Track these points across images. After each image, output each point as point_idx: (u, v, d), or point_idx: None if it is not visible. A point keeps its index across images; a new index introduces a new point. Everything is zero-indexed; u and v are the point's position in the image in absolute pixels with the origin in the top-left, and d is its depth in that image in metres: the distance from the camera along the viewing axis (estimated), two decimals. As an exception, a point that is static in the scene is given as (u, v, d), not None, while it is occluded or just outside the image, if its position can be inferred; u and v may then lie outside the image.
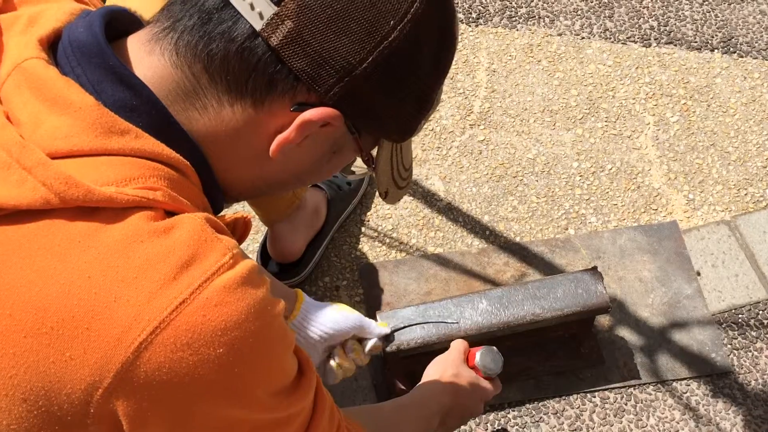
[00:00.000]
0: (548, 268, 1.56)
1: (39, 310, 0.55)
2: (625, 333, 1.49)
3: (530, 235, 1.61)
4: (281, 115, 0.63)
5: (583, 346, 1.45)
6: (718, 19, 1.92)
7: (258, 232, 1.60)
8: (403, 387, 1.35)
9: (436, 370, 1.19)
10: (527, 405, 1.42)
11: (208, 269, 0.57)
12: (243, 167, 0.67)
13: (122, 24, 0.66)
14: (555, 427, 1.40)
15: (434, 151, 1.71)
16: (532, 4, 1.95)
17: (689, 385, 1.44)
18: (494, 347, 1.22)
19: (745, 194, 1.67)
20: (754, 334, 1.50)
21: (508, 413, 1.41)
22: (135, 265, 0.56)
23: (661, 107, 1.79)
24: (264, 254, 1.53)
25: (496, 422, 1.40)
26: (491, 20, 1.92)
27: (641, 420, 1.41)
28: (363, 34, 0.61)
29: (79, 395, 0.56)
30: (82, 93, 0.59)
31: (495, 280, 1.55)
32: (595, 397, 1.43)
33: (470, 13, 1.92)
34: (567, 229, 1.62)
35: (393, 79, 0.64)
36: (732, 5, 1.95)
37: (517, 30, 1.90)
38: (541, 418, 1.41)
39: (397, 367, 1.37)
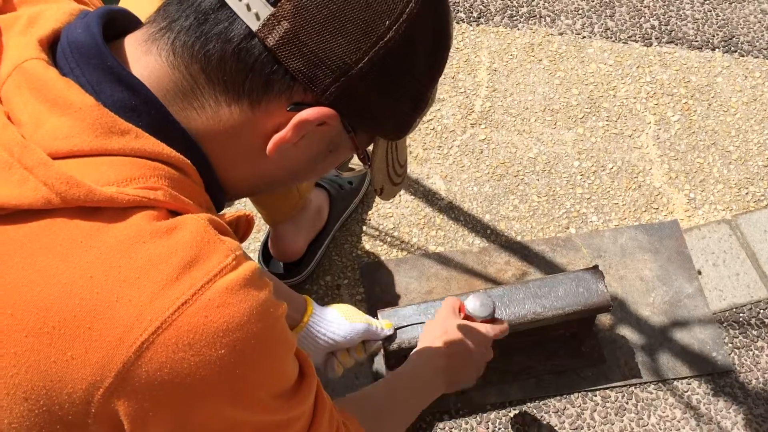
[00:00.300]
0: (549, 267, 1.56)
1: (41, 310, 0.55)
2: (626, 332, 1.49)
3: (531, 234, 1.61)
4: (278, 114, 0.64)
5: (584, 344, 1.45)
6: (719, 18, 1.92)
7: (260, 231, 1.60)
8: None
9: (425, 337, 1.17)
10: (528, 404, 1.42)
11: (210, 270, 0.57)
12: (240, 166, 0.68)
13: (120, 24, 0.66)
14: (556, 425, 1.41)
15: (435, 150, 1.72)
16: (533, 3, 1.95)
17: (690, 384, 1.45)
18: (483, 291, 1.18)
19: (746, 193, 1.67)
20: (755, 333, 1.50)
21: (510, 412, 1.42)
22: (137, 266, 0.56)
23: (662, 106, 1.79)
24: (265, 253, 1.54)
25: (498, 421, 1.41)
26: (492, 19, 1.92)
27: (642, 419, 1.41)
28: (359, 34, 0.61)
29: (81, 395, 0.56)
30: (82, 94, 0.59)
31: (496, 279, 1.55)
32: (596, 395, 1.43)
33: (471, 12, 1.93)
34: (568, 228, 1.62)
35: (389, 78, 0.64)
36: (733, 4, 1.95)
37: (518, 29, 1.90)
38: (542, 416, 1.41)
39: (399, 365, 1.37)
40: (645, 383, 1.44)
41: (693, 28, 1.91)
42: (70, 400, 0.56)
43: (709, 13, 1.93)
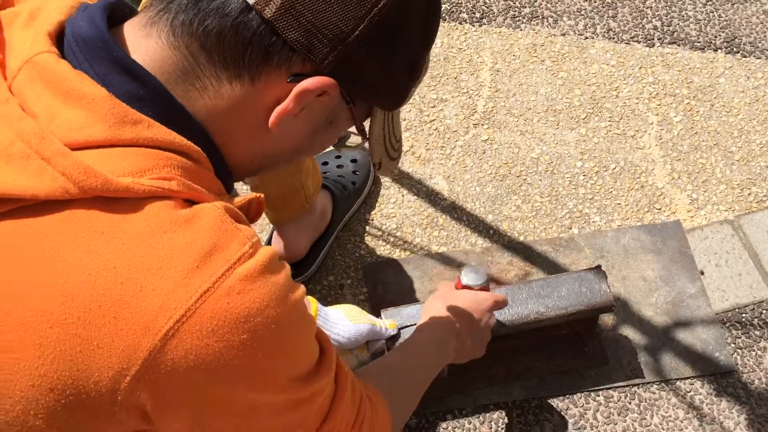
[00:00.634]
0: (552, 267, 1.56)
1: (66, 300, 0.56)
2: (629, 332, 1.49)
3: (534, 234, 1.61)
4: (278, 86, 0.65)
5: (587, 345, 1.45)
6: (722, 19, 1.92)
7: (263, 231, 1.60)
8: None
9: (428, 310, 1.18)
10: (531, 403, 1.43)
11: (230, 258, 0.58)
12: (242, 143, 0.69)
13: (120, 14, 0.67)
14: (559, 426, 1.41)
15: (438, 151, 1.72)
16: (536, 4, 1.95)
17: (693, 384, 1.45)
18: (472, 263, 1.24)
19: (749, 194, 1.67)
20: (757, 333, 1.50)
21: (512, 412, 1.42)
22: (159, 255, 0.57)
23: (664, 107, 1.79)
24: (268, 253, 1.54)
25: (500, 420, 1.41)
26: (495, 20, 1.92)
27: (645, 419, 1.41)
28: (354, 1, 0.63)
29: (107, 383, 0.56)
30: (94, 85, 0.60)
31: (499, 279, 1.55)
32: (599, 395, 1.44)
33: (474, 13, 1.93)
34: (571, 228, 1.62)
35: (384, 45, 0.66)
36: (735, 5, 1.95)
37: (521, 30, 1.91)
38: (545, 416, 1.41)
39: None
40: (648, 383, 1.45)
41: (695, 29, 1.91)
42: (96, 389, 0.57)
43: (711, 14, 1.93)
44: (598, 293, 1.34)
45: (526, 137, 1.74)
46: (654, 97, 1.80)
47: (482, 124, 1.76)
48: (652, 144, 1.73)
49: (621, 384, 1.44)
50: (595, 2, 1.95)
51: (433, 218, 1.63)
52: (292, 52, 0.63)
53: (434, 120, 1.76)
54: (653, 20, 1.92)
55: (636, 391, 1.44)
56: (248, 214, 0.70)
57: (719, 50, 1.87)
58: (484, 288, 1.22)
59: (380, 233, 1.61)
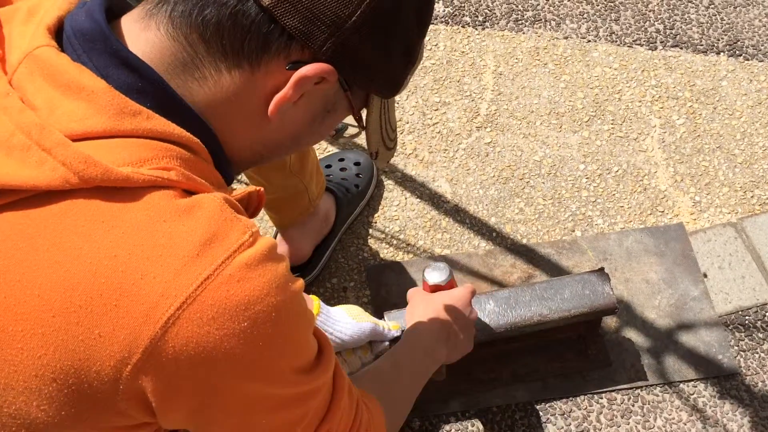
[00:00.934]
0: (555, 270, 1.57)
1: (67, 290, 0.56)
2: (632, 334, 1.49)
3: (537, 237, 1.62)
4: (277, 74, 0.65)
5: (590, 347, 1.46)
6: (724, 22, 1.93)
7: (266, 233, 1.61)
8: None
9: (410, 318, 1.20)
10: (534, 406, 1.43)
11: (229, 247, 0.58)
12: (243, 133, 0.69)
13: (118, 8, 0.68)
14: (562, 428, 1.41)
15: (441, 154, 1.72)
16: (539, 7, 1.95)
17: (696, 387, 1.45)
18: (432, 261, 1.26)
19: (752, 196, 1.67)
20: (761, 335, 1.50)
21: (515, 414, 1.42)
22: (159, 243, 0.57)
23: (667, 110, 1.79)
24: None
25: (503, 423, 1.41)
26: (497, 23, 1.93)
27: (648, 421, 1.41)
28: None
29: (109, 372, 0.57)
30: (94, 78, 0.61)
31: (502, 281, 1.56)
32: (602, 398, 1.44)
33: (477, 17, 1.93)
34: (574, 230, 1.62)
35: (381, 30, 0.66)
36: (738, 8, 1.95)
37: (524, 33, 1.91)
38: (548, 419, 1.42)
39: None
40: (651, 386, 1.45)
41: (698, 32, 1.91)
42: (98, 378, 0.57)
43: (713, 17, 1.94)
44: (601, 296, 1.34)
45: (529, 140, 1.74)
46: (657, 100, 1.80)
47: (485, 127, 1.76)
48: (655, 147, 1.74)
49: (624, 386, 1.44)
50: (597, 5, 1.96)
51: (436, 221, 1.63)
52: (291, 39, 0.64)
53: (437, 123, 1.77)
54: (656, 23, 1.93)
55: (639, 394, 1.44)
56: (248, 207, 0.70)
57: (722, 53, 1.88)
58: (451, 282, 1.24)
59: (383, 236, 1.62)
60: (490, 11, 1.94)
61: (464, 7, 1.95)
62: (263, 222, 1.62)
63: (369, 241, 1.61)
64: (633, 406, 1.43)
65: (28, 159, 0.57)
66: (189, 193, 0.61)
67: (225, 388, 0.61)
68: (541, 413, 1.42)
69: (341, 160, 1.66)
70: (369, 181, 1.64)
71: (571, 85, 1.82)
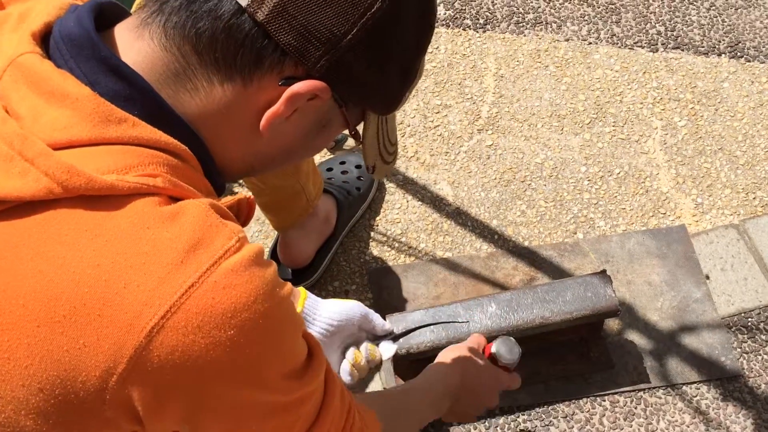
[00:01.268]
0: (557, 272, 1.56)
1: (51, 300, 0.55)
2: (635, 337, 1.49)
3: (539, 240, 1.61)
4: (270, 89, 0.64)
5: (593, 349, 1.45)
6: (725, 23, 1.93)
7: (268, 237, 1.61)
8: None
9: (446, 354, 1.17)
10: (537, 409, 1.42)
11: (215, 253, 0.57)
12: (234, 146, 0.68)
13: (110, 15, 0.67)
14: (565, 431, 1.41)
15: (442, 156, 1.72)
16: (540, 9, 1.95)
17: (699, 389, 1.44)
18: (512, 338, 1.18)
19: (754, 198, 1.67)
20: (763, 337, 1.50)
21: (518, 417, 1.42)
22: (143, 251, 0.56)
23: (668, 112, 1.79)
24: (274, 259, 1.54)
25: (506, 426, 1.41)
26: (498, 26, 1.93)
27: (651, 424, 1.41)
28: (347, 5, 0.62)
29: (95, 382, 0.56)
30: (78, 85, 0.60)
31: (504, 284, 1.55)
32: (604, 401, 1.43)
33: (478, 19, 1.93)
34: (575, 233, 1.62)
35: (377, 49, 0.65)
36: (739, 10, 1.95)
37: (525, 35, 1.91)
38: (551, 422, 1.41)
39: (407, 371, 1.38)
40: (654, 388, 1.44)
41: (699, 34, 1.91)
42: (84, 387, 0.56)
43: (715, 19, 1.94)
44: (604, 298, 1.34)
45: (531, 142, 1.74)
46: (658, 102, 1.80)
47: (486, 130, 1.76)
48: (657, 149, 1.73)
49: (627, 389, 1.44)
50: (598, 8, 1.96)
51: (437, 224, 1.63)
52: (284, 55, 0.63)
53: (438, 126, 1.77)
54: (657, 25, 1.93)
55: (642, 396, 1.44)
56: (238, 215, 0.69)
57: (723, 55, 1.87)
58: (507, 367, 1.18)
59: (385, 239, 1.61)
60: (491, 14, 1.94)
61: (465, 9, 1.95)
62: (264, 225, 1.62)
63: (371, 244, 1.61)
64: (636, 408, 1.43)
65: (11, 170, 0.57)
66: (175, 199, 0.60)
67: (213, 396, 0.60)
68: (543, 416, 1.42)
69: (342, 162, 1.66)
70: (370, 184, 1.64)
71: (572, 88, 1.82)
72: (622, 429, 1.41)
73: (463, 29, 1.92)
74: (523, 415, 1.42)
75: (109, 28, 0.66)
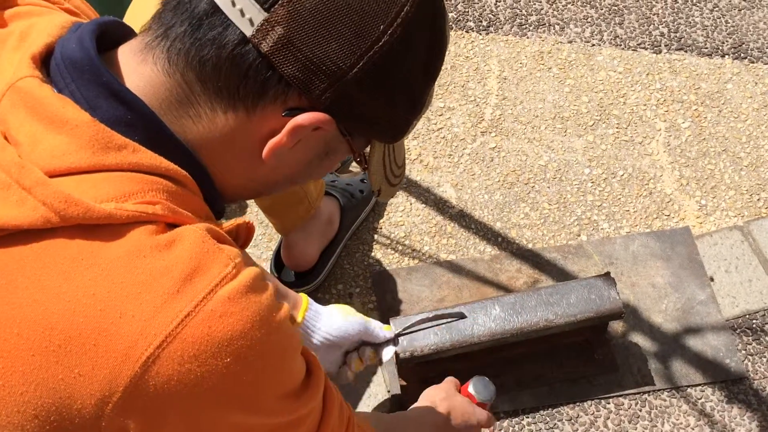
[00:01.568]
0: (561, 275, 1.56)
1: (46, 329, 0.55)
2: (639, 339, 1.49)
3: (542, 242, 1.61)
4: (273, 119, 0.64)
5: (597, 352, 1.45)
6: (729, 25, 1.92)
7: (272, 240, 1.61)
8: None
9: (427, 396, 1.18)
10: (541, 411, 1.42)
11: (211, 281, 0.57)
12: (236, 172, 0.68)
13: (113, 36, 0.66)
14: (569, 433, 1.40)
15: (446, 159, 1.72)
16: (542, 11, 1.95)
17: (704, 391, 1.44)
18: (485, 377, 1.21)
19: (758, 199, 1.66)
20: (768, 339, 1.50)
21: (522, 420, 1.41)
22: (138, 281, 0.56)
23: (672, 113, 1.79)
24: (278, 262, 1.54)
25: (510, 429, 1.40)
26: (501, 28, 1.93)
27: (656, 426, 1.41)
28: (353, 38, 0.61)
29: (90, 410, 0.56)
30: (77, 110, 0.59)
31: (508, 286, 1.55)
32: (609, 403, 1.43)
33: (480, 21, 1.93)
34: (579, 235, 1.62)
35: (384, 83, 0.64)
36: (742, 11, 1.95)
37: (528, 38, 1.91)
38: (555, 424, 1.41)
39: (411, 374, 1.38)
40: (658, 390, 1.44)
41: (702, 35, 1.91)
42: (80, 415, 0.56)
43: (718, 20, 1.93)
44: (608, 300, 1.34)
45: (534, 145, 1.74)
46: (661, 104, 1.80)
47: (490, 132, 1.76)
48: (660, 150, 1.73)
49: (631, 391, 1.44)
50: (601, 9, 1.96)
51: (441, 226, 1.63)
52: (288, 87, 0.62)
53: (442, 128, 1.77)
54: (660, 27, 1.92)
55: (646, 399, 1.43)
56: (237, 239, 0.68)
57: (726, 56, 1.87)
58: (484, 404, 1.20)
59: (389, 242, 1.61)
60: (494, 16, 1.94)
61: (468, 12, 1.95)
62: (268, 228, 1.62)
63: (374, 246, 1.61)
64: (640, 410, 1.42)
65: (8, 198, 0.56)
66: (173, 226, 0.60)
67: (210, 423, 0.60)
68: (548, 418, 1.42)
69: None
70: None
71: (575, 89, 1.82)
72: (626, 431, 1.41)
73: (466, 31, 1.92)
74: (528, 417, 1.42)
75: (113, 48, 0.65)
